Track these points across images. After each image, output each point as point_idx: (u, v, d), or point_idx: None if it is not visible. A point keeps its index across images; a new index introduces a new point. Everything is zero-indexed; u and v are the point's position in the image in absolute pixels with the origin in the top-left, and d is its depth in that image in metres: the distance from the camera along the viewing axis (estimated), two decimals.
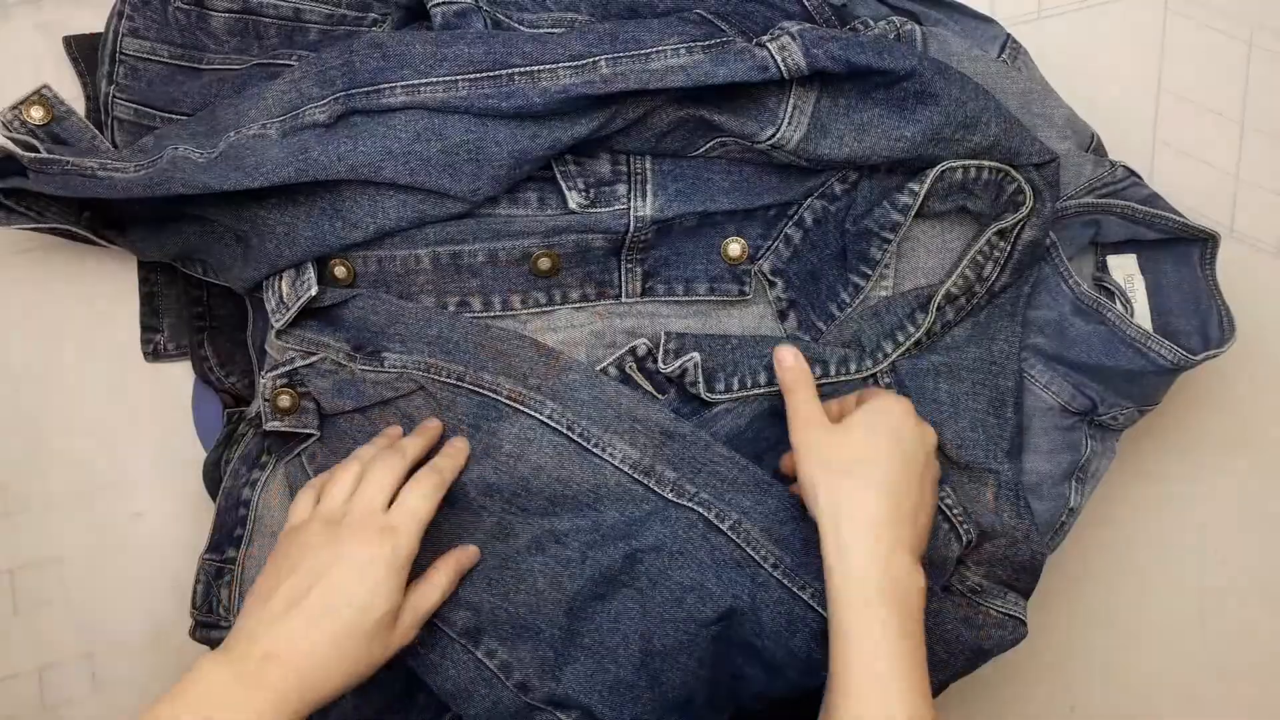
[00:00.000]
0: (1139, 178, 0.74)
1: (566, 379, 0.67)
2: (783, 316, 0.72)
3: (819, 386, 0.70)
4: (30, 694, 0.78)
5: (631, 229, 0.68)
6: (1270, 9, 0.82)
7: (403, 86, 0.64)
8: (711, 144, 0.68)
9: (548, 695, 0.67)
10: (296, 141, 0.64)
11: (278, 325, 0.67)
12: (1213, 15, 0.82)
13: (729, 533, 0.66)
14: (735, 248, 0.71)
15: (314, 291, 0.66)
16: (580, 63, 0.64)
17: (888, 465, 0.59)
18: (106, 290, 0.77)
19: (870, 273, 0.71)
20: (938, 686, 0.71)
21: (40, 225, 0.70)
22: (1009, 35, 0.74)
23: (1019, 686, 0.88)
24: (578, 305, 0.70)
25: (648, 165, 0.69)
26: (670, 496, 0.67)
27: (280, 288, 0.68)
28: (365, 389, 0.67)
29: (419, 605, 0.61)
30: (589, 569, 0.67)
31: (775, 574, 0.66)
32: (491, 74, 0.64)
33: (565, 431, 0.66)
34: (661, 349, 0.70)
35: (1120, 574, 0.88)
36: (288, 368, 0.68)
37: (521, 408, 0.66)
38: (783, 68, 0.64)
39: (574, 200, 0.68)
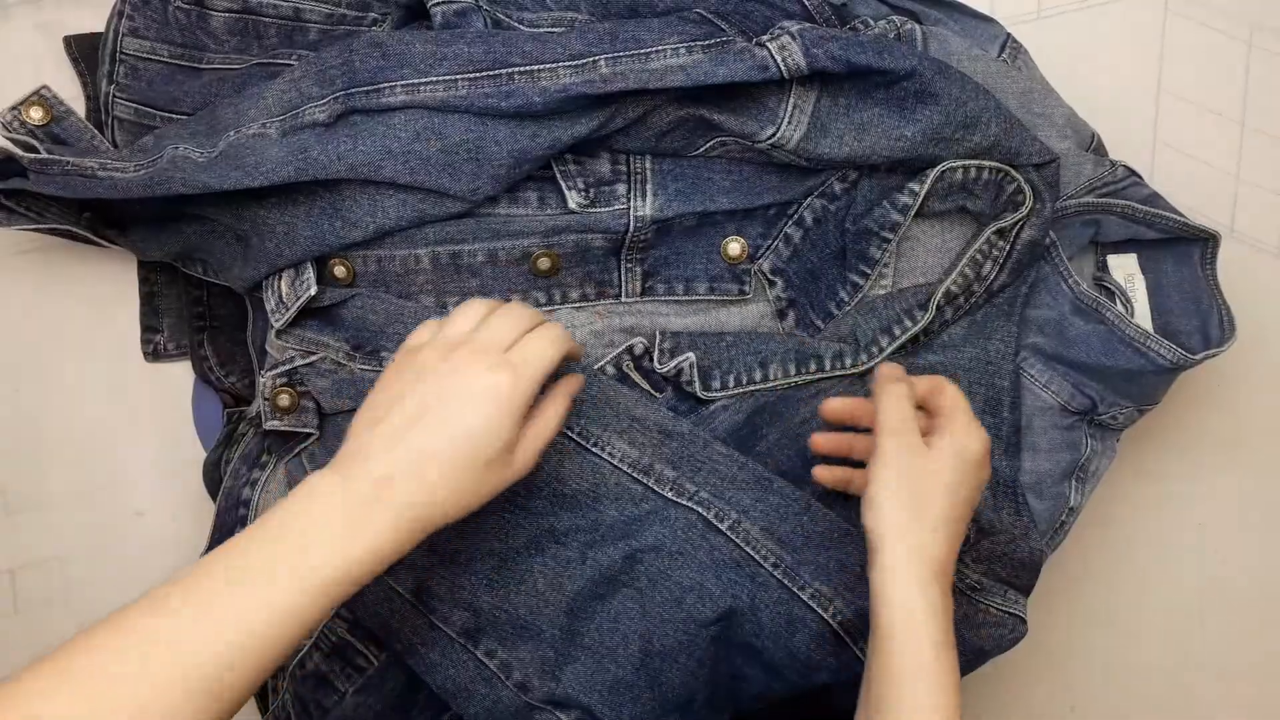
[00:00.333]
0: (1139, 177, 0.74)
1: None
2: (781, 315, 0.72)
3: (816, 382, 0.70)
4: None
5: (631, 229, 0.68)
6: (1270, 9, 0.82)
7: (403, 86, 0.64)
8: (711, 143, 0.68)
9: (547, 695, 0.67)
10: (296, 141, 0.64)
11: (277, 325, 0.67)
12: (1213, 15, 0.82)
13: (728, 532, 0.66)
14: (735, 247, 0.71)
15: (313, 291, 0.66)
16: (580, 62, 0.64)
17: (955, 505, 0.59)
18: (106, 290, 0.77)
19: (870, 272, 0.71)
20: None
21: (40, 225, 0.70)
22: (1009, 35, 0.74)
23: (1019, 686, 0.88)
24: (578, 305, 0.70)
25: (648, 165, 0.69)
26: (669, 495, 0.67)
27: (280, 287, 0.68)
28: (365, 388, 0.67)
29: (537, 436, 0.57)
30: (588, 569, 0.67)
31: (775, 574, 0.66)
32: (491, 73, 0.64)
33: (564, 430, 0.66)
34: (657, 348, 0.70)
35: (1120, 574, 0.88)
36: (287, 367, 0.68)
37: None
38: (783, 67, 0.64)
39: (574, 200, 0.68)
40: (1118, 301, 0.73)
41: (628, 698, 0.67)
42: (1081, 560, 0.86)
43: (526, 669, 0.67)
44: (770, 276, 0.72)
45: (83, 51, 0.74)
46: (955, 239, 0.72)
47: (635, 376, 0.70)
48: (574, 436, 0.66)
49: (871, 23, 0.71)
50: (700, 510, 0.67)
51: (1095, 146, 0.75)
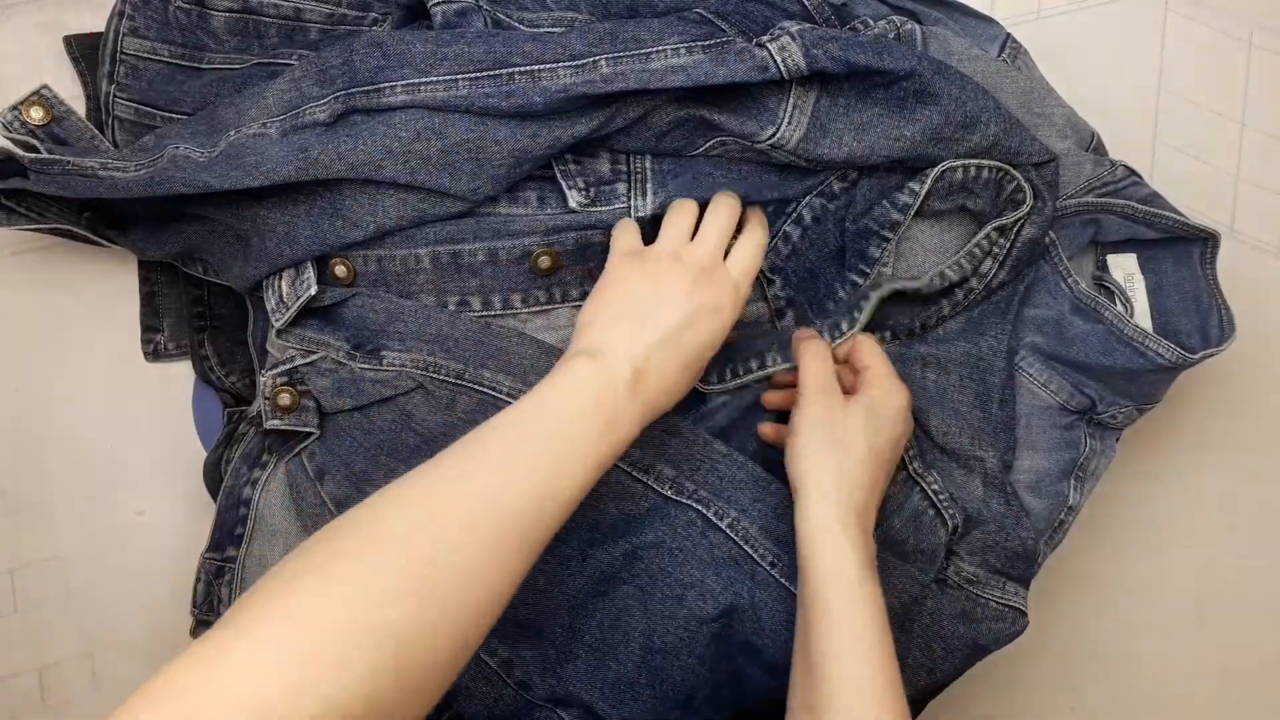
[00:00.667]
0: (1139, 177, 0.74)
1: None
2: (780, 314, 0.73)
3: None
4: (31, 693, 0.78)
5: None
6: (1270, 9, 0.82)
7: (403, 85, 0.64)
8: (711, 143, 0.68)
9: (549, 693, 0.67)
10: (297, 140, 0.64)
11: (278, 324, 0.67)
12: (1213, 15, 0.82)
13: (727, 530, 0.67)
14: None
15: (314, 290, 0.66)
16: (580, 62, 0.64)
17: (872, 452, 0.64)
18: (106, 290, 0.77)
19: (869, 271, 0.71)
20: (935, 687, 0.71)
21: (40, 225, 0.70)
22: (1009, 35, 0.74)
23: (1019, 686, 0.88)
24: (578, 304, 0.70)
25: (648, 164, 0.69)
26: (669, 494, 0.67)
27: (280, 287, 0.68)
28: (365, 387, 0.67)
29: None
30: (589, 566, 0.67)
31: (774, 573, 0.66)
32: (492, 73, 0.64)
33: None
34: None
35: (1120, 573, 0.88)
36: (288, 366, 0.68)
37: None
38: (782, 68, 0.64)
39: (574, 199, 0.68)
40: (1117, 301, 0.73)
41: (629, 695, 0.67)
42: (1081, 560, 0.86)
43: (528, 667, 0.67)
44: (768, 275, 0.72)
45: (83, 51, 0.74)
46: (955, 238, 0.72)
47: None
48: None
49: (871, 23, 0.71)
50: (700, 508, 0.67)
51: (1095, 146, 0.75)
